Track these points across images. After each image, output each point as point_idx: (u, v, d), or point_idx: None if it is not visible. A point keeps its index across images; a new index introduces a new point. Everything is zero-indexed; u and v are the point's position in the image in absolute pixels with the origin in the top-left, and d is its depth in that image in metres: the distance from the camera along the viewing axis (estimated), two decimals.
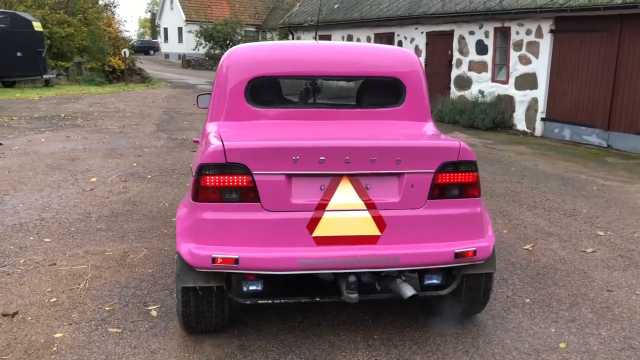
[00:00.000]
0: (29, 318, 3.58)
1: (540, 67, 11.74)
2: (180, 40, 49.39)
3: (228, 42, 43.00)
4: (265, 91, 3.73)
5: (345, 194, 3.07)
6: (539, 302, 3.96)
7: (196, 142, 4.63)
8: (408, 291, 3.15)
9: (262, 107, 3.65)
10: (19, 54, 21.12)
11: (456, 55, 14.07)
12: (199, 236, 3.03)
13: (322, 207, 3.04)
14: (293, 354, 3.23)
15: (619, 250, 5.04)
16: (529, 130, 12.15)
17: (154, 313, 3.67)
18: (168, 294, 3.94)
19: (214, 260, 2.94)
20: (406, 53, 3.97)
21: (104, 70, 27.46)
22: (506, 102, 12.64)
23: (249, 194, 3.01)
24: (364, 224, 3.07)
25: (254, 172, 2.99)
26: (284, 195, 3.01)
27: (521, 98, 12.27)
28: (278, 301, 3.26)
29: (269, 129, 3.51)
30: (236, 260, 2.94)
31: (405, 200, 3.11)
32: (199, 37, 42.89)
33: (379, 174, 3.09)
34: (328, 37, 19.49)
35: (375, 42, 17.17)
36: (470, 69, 13.68)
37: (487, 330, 3.54)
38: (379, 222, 3.08)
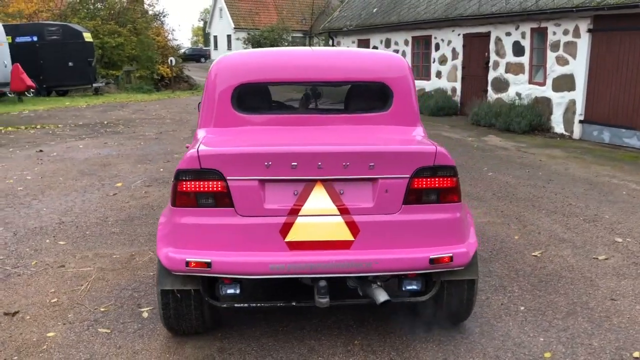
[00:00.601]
0: (28, 317, 3.75)
1: (578, 67, 11.38)
2: (229, 47, 50.35)
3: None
4: (252, 98, 3.78)
5: (318, 200, 3.08)
6: (534, 310, 3.85)
7: (188, 148, 4.74)
8: (381, 297, 3.13)
9: (248, 113, 3.70)
10: (70, 64, 22.05)
11: (493, 57, 13.80)
12: (176, 240, 3.11)
13: (295, 212, 3.06)
14: (270, 358, 3.26)
15: (634, 258, 4.84)
16: (567, 133, 11.78)
17: (145, 315, 3.78)
18: None
19: (187, 263, 3.01)
20: (394, 58, 3.94)
21: (152, 78, 28.29)
22: (543, 105, 12.31)
23: (223, 199, 3.06)
24: (337, 229, 3.07)
25: (228, 177, 3.04)
26: (257, 201, 3.05)
27: (558, 100, 11.92)
28: (254, 305, 3.30)
29: (254, 135, 3.56)
30: (209, 264, 3.00)
31: (380, 206, 3.10)
32: (246, 44, 43.60)
33: (353, 179, 3.09)
34: (367, 42, 19.48)
35: (413, 45, 17.06)
36: (507, 71, 13.39)
37: (471, 338, 3.47)
38: (352, 227, 3.08)
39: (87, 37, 23.08)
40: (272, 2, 52.55)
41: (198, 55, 58.55)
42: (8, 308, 3.87)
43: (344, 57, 3.94)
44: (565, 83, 11.74)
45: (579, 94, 11.45)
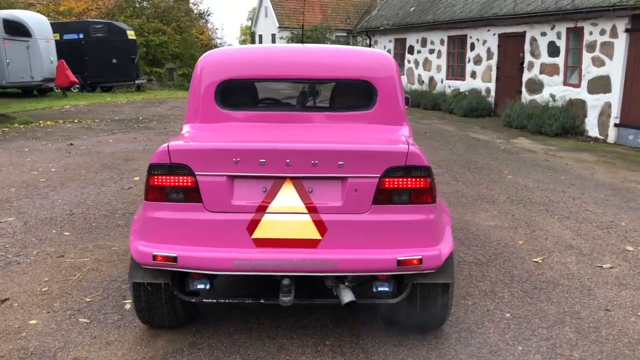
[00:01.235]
0: (15, 305, 3.86)
1: (615, 69, 10.96)
2: None
3: None
4: (236, 94, 3.79)
5: (287, 197, 3.06)
6: (520, 317, 3.73)
7: None
8: (346, 297, 3.09)
9: (231, 109, 3.71)
10: (114, 60, 22.67)
11: (528, 57, 13.45)
12: (146, 234, 3.14)
13: (262, 209, 3.05)
14: (238, 354, 3.26)
15: None
16: (601, 137, 11.36)
17: (127, 307, 3.83)
18: None
19: (154, 257, 3.03)
20: (381, 56, 3.88)
21: None
22: (577, 107, 11.91)
23: (192, 194, 3.08)
24: (304, 228, 3.04)
25: (197, 172, 3.05)
26: (225, 197, 3.05)
27: (593, 102, 11.51)
28: (222, 301, 3.31)
29: (233, 131, 3.57)
30: (175, 259, 3.02)
31: (348, 205, 3.05)
32: (289, 43, 43.89)
33: (322, 177, 3.06)
34: (403, 41, 19.29)
35: (449, 44, 16.79)
36: (541, 72, 13.02)
37: (446, 344, 3.38)
38: (320, 226, 3.04)
39: (131, 34, 23.67)
40: (318, 1, 52.68)
41: None
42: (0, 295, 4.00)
43: (330, 55, 3.91)
44: (600, 85, 11.33)
45: (614, 97, 11.02)
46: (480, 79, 15.42)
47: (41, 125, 13.14)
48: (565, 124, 11.69)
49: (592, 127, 11.61)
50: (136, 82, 23.93)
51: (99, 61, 22.36)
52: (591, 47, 11.50)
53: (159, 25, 28.57)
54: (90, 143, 10.52)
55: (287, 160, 3.02)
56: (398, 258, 3.01)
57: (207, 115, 3.73)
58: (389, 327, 3.53)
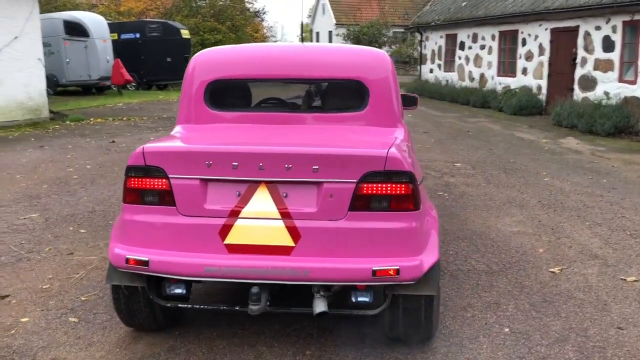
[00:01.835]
0: (14, 301, 3.93)
1: None
2: (330, 43, 50.69)
3: (373, 43, 43.32)
4: (225, 94, 3.72)
5: (261, 202, 2.96)
6: (520, 333, 3.48)
7: None
8: (318, 307, 2.96)
9: (220, 110, 3.66)
10: (168, 59, 23.18)
11: (581, 53, 12.80)
12: (122, 236, 3.12)
13: (235, 214, 2.96)
14: None
15: None
16: None
17: None
18: None
19: (127, 260, 3.01)
20: (375, 55, 3.72)
21: None
22: (633, 105, 11.23)
23: (166, 198, 3.03)
24: (277, 234, 2.94)
25: (170, 175, 3.00)
26: (198, 201, 2.99)
27: None
28: (198, 307, 3.25)
29: (218, 133, 3.51)
30: (146, 263, 2.97)
31: (323, 211, 2.92)
32: (345, 40, 43.76)
33: (297, 182, 2.94)
34: (454, 37, 18.81)
35: (500, 40, 16.23)
36: (595, 68, 12.37)
37: (431, 359, 3.19)
38: (294, 232, 2.93)
39: (185, 33, 24.16)
40: None
41: None
42: (2, 291, 4.09)
43: (322, 54, 3.79)
44: None
45: None
46: (531, 75, 14.82)
47: (91, 122, 13.58)
48: (618, 123, 11.04)
49: None
50: None
51: (154, 60, 22.93)
52: None
53: (214, 24, 29.05)
54: (132, 141, 10.76)
55: (260, 164, 2.93)
56: (373, 268, 2.85)
57: (197, 116, 3.68)
58: (375, 339, 3.37)
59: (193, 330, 3.52)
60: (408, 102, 4.65)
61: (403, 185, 2.93)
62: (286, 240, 2.93)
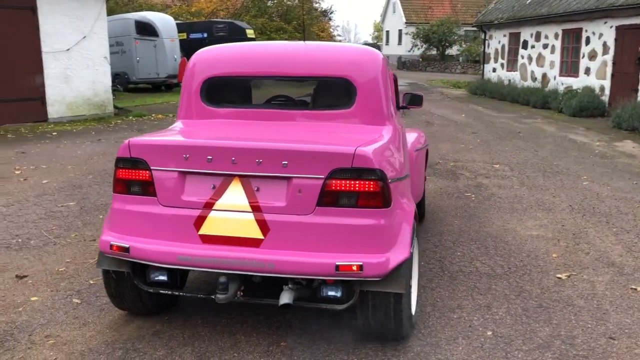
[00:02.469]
0: (30, 282, 4.24)
1: None
2: (399, 42, 50.28)
3: (443, 42, 42.61)
4: (219, 91, 3.85)
5: (234, 195, 3.07)
6: (501, 337, 3.41)
7: None
8: (282, 299, 3.04)
9: (215, 106, 3.79)
10: None
11: None
12: (111, 224, 3.31)
13: (209, 205, 3.08)
14: (191, 346, 3.32)
15: None
16: None
17: None
18: None
19: (111, 247, 3.19)
20: (366, 54, 3.74)
21: None
22: None
23: (148, 188, 3.19)
24: (247, 226, 3.03)
25: (152, 167, 3.16)
26: (176, 192, 3.13)
27: None
28: (177, 293, 3.39)
29: (207, 128, 3.65)
30: (127, 249, 3.15)
31: (292, 206, 2.99)
32: (415, 39, 43.28)
33: (268, 176, 3.03)
34: (517, 35, 18.26)
35: (563, 39, 15.62)
36: None
37: (402, 357, 3.19)
38: (263, 225, 3.02)
39: (250, 33, 24.71)
40: None
41: None
42: (22, 272, 4.41)
43: (314, 52, 3.84)
44: None
45: None
46: (594, 75, 14.18)
47: (152, 118, 14.18)
48: None
49: None
50: None
51: None
52: None
53: (281, 24, 29.55)
54: None
55: (233, 158, 3.03)
56: (337, 263, 2.90)
57: (195, 112, 3.83)
58: (352, 334, 3.40)
59: (181, 317, 3.67)
60: (413, 101, 4.64)
61: (371, 183, 2.96)
62: (256, 233, 3.02)
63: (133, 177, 3.21)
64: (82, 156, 9.01)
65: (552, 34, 16.12)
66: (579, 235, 5.26)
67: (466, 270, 4.42)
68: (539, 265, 4.53)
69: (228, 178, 3.07)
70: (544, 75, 16.69)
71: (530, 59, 17.51)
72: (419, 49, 43.04)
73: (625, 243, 5.05)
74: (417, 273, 3.69)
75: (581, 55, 14.73)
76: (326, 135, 3.40)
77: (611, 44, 13.41)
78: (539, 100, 15.77)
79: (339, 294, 3.15)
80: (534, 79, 17.26)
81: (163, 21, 21.40)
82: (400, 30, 50.75)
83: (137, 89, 21.95)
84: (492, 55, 20.80)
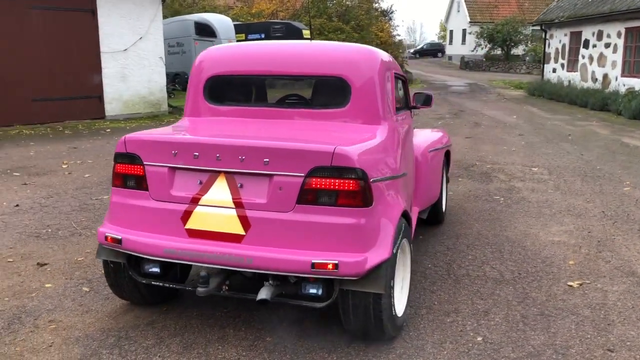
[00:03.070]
0: (49, 269, 4.47)
1: None
2: (463, 42, 49.39)
3: (508, 42, 41.52)
4: (221, 89, 3.93)
5: (219, 191, 3.15)
6: (492, 343, 3.32)
7: None
8: (260, 294, 3.08)
9: (217, 104, 3.88)
10: None
11: None
12: (109, 217, 3.47)
13: (195, 201, 3.17)
14: (180, 337, 3.41)
15: None
16: None
17: None
18: None
19: (106, 238, 3.34)
20: (363, 53, 3.73)
21: None
22: None
23: (141, 183, 3.32)
24: (230, 222, 3.10)
25: (145, 162, 3.29)
26: (166, 187, 3.24)
27: None
28: (168, 285, 3.49)
29: (206, 125, 3.75)
30: (119, 241, 3.28)
31: (273, 203, 3.04)
32: (478, 38, 42.39)
33: (251, 173, 3.09)
34: (578, 34, 17.56)
35: (626, 37, 14.90)
36: None
37: (383, 357, 3.16)
38: (244, 221, 3.07)
39: (306, 34, 24.87)
40: None
41: (436, 50, 58.87)
42: (43, 259, 4.65)
43: (312, 51, 3.86)
44: None
45: None
46: None
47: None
48: None
49: None
50: None
51: None
52: None
53: (339, 24, 29.54)
54: None
55: (217, 155, 3.11)
56: (313, 261, 2.92)
57: (199, 110, 3.94)
58: (338, 333, 3.41)
59: (179, 308, 3.78)
60: (423, 101, 4.58)
61: (351, 182, 2.96)
62: (237, 229, 3.08)
63: (128, 172, 3.34)
64: None
65: (614, 33, 15.41)
66: (604, 242, 5.03)
67: (473, 274, 4.32)
68: (552, 272, 4.37)
69: (214, 174, 3.15)
70: (605, 76, 15.97)
71: (591, 58, 16.80)
72: (482, 48, 42.11)
73: None
74: (409, 274, 3.64)
75: None
76: (314, 133, 3.42)
77: None
78: (598, 102, 15.11)
79: (319, 292, 3.16)
80: (595, 80, 16.54)
81: (221, 22, 21.89)
82: (464, 30, 49.81)
83: None
84: (552, 55, 20.09)
